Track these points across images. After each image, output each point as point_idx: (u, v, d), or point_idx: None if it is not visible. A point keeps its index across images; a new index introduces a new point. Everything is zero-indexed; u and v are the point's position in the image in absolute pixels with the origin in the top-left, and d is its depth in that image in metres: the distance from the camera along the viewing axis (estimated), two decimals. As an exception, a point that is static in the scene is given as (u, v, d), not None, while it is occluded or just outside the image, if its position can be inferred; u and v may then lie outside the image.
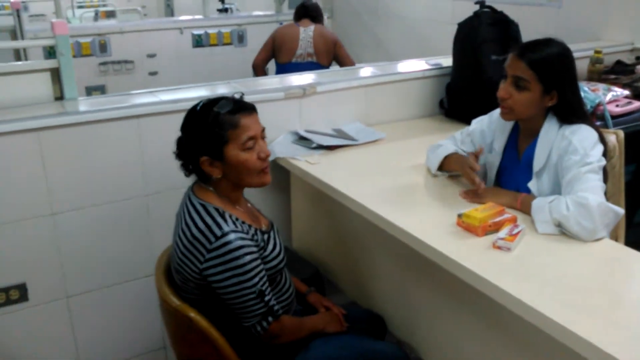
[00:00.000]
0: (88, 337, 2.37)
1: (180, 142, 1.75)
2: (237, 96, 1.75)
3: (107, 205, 2.28)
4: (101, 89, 4.98)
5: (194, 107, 1.72)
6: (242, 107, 1.69)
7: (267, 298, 1.65)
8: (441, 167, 2.10)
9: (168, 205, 2.30)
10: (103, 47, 4.91)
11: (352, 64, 4.27)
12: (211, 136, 1.65)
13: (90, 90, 4.84)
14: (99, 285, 2.35)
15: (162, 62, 5.17)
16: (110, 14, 7.85)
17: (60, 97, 2.31)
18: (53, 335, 2.31)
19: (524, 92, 1.83)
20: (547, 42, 1.86)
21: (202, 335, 1.61)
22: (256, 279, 1.62)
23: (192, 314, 1.61)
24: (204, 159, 1.67)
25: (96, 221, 2.28)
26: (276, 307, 1.69)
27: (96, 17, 7.70)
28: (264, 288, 1.64)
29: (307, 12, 4.29)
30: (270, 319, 1.67)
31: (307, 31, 4.16)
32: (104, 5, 8.96)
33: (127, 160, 2.28)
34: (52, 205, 2.18)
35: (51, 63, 2.29)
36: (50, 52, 4.46)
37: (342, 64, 4.32)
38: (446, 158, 2.07)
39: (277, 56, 4.32)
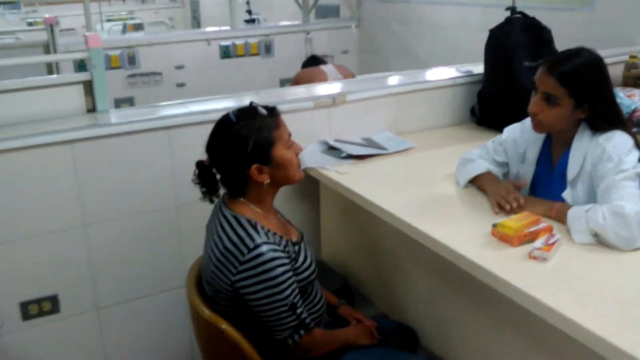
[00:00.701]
0: (117, 348, 2.39)
1: (206, 164, 1.73)
2: (254, 103, 1.74)
3: (138, 216, 2.30)
4: (130, 101, 5.05)
5: (227, 121, 1.69)
6: (273, 109, 1.72)
7: (299, 311, 1.64)
8: (471, 181, 2.06)
9: (198, 217, 2.29)
10: (131, 60, 4.98)
11: None
12: (260, 141, 1.65)
13: (119, 102, 4.91)
14: (129, 297, 2.36)
15: (190, 73, 5.22)
16: (138, 27, 7.98)
17: (92, 110, 2.34)
18: (83, 346, 2.32)
19: (555, 108, 1.80)
20: (577, 53, 1.82)
21: (234, 346, 1.60)
22: (288, 291, 1.61)
23: (224, 325, 1.60)
24: (254, 167, 1.66)
25: (127, 232, 2.29)
26: (308, 320, 1.67)
27: (124, 30, 7.84)
28: (295, 300, 1.63)
29: (319, 60, 4.18)
30: (302, 332, 1.65)
31: (328, 67, 4.01)
32: (132, 18, 9.12)
33: (158, 171, 2.30)
34: (84, 216, 2.20)
35: (84, 76, 2.32)
36: (80, 66, 4.53)
37: None
38: (477, 176, 2.03)
39: None
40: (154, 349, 2.46)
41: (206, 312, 1.65)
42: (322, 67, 3.99)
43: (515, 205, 1.81)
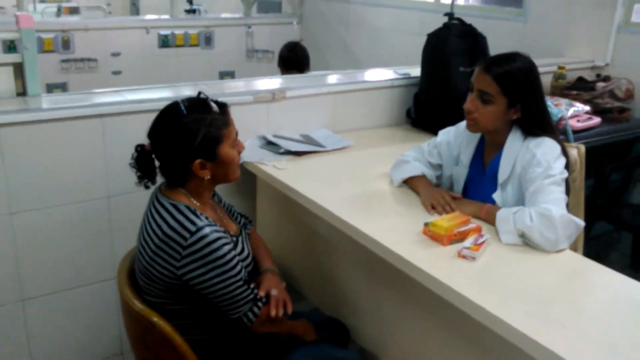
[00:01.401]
0: (43, 341, 2.31)
1: (146, 150, 1.69)
2: (203, 96, 1.72)
3: (68, 206, 2.23)
4: (62, 87, 4.87)
5: (176, 112, 1.64)
6: (225, 105, 1.70)
7: (252, 285, 1.64)
8: (405, 181, 2.12)
9: (130, 208, 2.26)
10: (66, 44, 4.81)
11: None
12: (208, 138, 1.62)
13: (51, 88, 4.73)
14: (56, 288, 2.29)
15: (127, 61, 5.09)
16: (74, 10, 7.69)
17: (22, 93, 2.25)
18: (6, 338, 2.23)
19: (489, 106, 1.86)
20: (513, 57, 1.89)
21: (165, 340, 1.58)
22: (238, 267, 1.61)
23: (156, 318, 1.57)
24: (197, 162, 1.63)
25: (55, 222, 2.22)
26: (259, 295, 1.68)
27: (59, 13, 7.53)
28: (246, 277, 1.63)
29: (295, 63, 3.83)
30: (259, 304, 1.66)
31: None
32: (67, 1, 8.79)
33: (89, 160, 2.23)
34: (10, 204, 2.11)
35: (14, 57, 2.22)
36: (10, 47, 4.35)
37: None
38: (411, 177, 2.09)
39: None
40: (82, 343, 2.40)
41: (137, 304, 1.62)
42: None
43: (448, 210, 1.87)
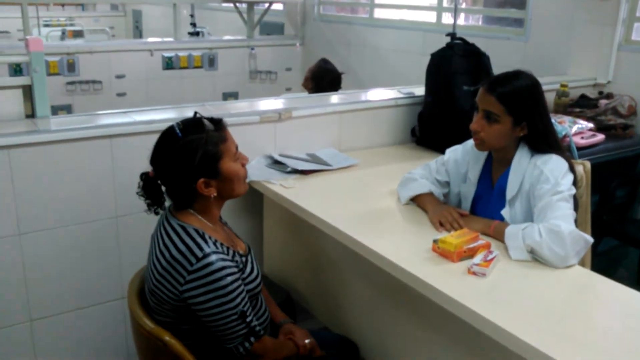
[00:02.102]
0: (51, 362, 2.31)
1: (151, 176, 1.70)
2: (198, 116, 1.73)
3: (77, 226, 2.24)
4: (67, 109, 4.93)
5: (172, 135, 1.66)
6: (220, 122, 1.71)
7: (248, 319, 1.63)
8: (412, 199, 2.13)
9: (139, 227, 2.27)
10: (71, 67, 4.87)
11: None
12: (207, 156, 1.63)
13: (56, 110, 4.77)
14: (63, 308, 2.29)
15: (131, 83, 5.14)
16: (78, 34, 7.79)
17: (31, 115, 2.27)
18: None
19: (495, 125, 1.88)
20: (516, 75, 1.91)
21: (176, 359, 1.58)
22: (238, 300, 1.60)
23: (167, 337, 1.57)
24: (201, 182, 1.64)
25: (64, 242, 2.23)
26: (258, 328, 1.67)
27: (63, 36, 7.64)
28: (245, 309, 1.62)
29: (334, 89, 3.75)
30: (252, 339, 1.65)
31: None
32: (72, 25, 8.89)
33: (98, 180, 2.25)
34: (19, 225, 2.12)
35: (23, 80, 2.25)
36: (16, 70, 4.40)
37: None
38: (419, 195, 2.10)
39: None
40: (89, 363, 2.39)
41: (148, 324, 1.62)
42: None
43: (456, 227, 1.88)
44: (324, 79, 3.82)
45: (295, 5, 6.04)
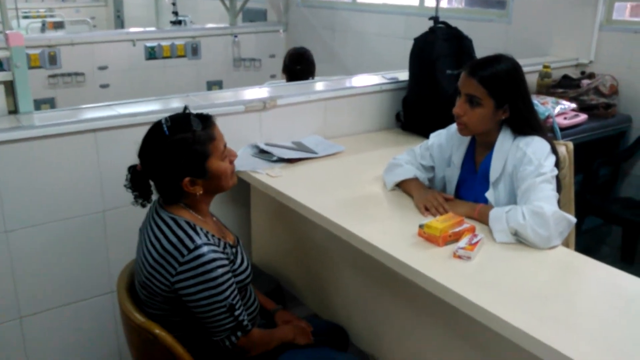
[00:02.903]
0: (42, 359, 2.31)
1: (139, 170, 1.70)
2: (188, 111, 1.72)
3: (64, 222, 2.23)
4: (50, 102, 4.87)
5: (159, 132, 1.65)
6: (208, 119, 1.70)
7: (237, 312, 1.65)
8: (398, 184, 2.15)
9: (127, 221, 2.27)
10: (53, 59, 4.81)
11: None
12: (194, 155, 1.63)
13: (39, 104, 4.72)
14: (53, 304, 2.29)
15: (114, 74, 5.10)
16: (58, 25, 7.69)
17: (14, 111, 2.26)
18: (5, 358, 2.23)
19: (478, 108, 1.89)
20: (497, 59, 1.92)
21: (167, 352, 1.59)
22: (227, 292, 1.62)
23: (157, 330, 1.58)
24: (186, 180, 1.64)
25: (51, 238, 2.22)
26: (245, 322, 1.68)
27: (43, 28, 7.53)
28: (234, 302, 1.64)
29: (301, 74, 3.68)
30: (239, 333, 1.66)
31: None
32: (52, 16, 8.78)
33: (84, 175, 2.24)
34: (5, 222, 2.12)
35: (4, 75, 2.23)
36: (-5, 65, 4.34)
37: None
38: (404, 180, 2.12)
39: None
40: (81, 357, 2.40)
41: (139, 317, 1.63)
42: None
43: (441, 211, 1.90)
44: (290, 61, 3.74)
45: (277, -9, 6.02)
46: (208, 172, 1.66)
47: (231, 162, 1.74)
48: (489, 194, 1.94)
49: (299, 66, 3.71)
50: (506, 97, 1.89)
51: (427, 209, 1.94)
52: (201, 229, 1.65)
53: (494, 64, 1.90)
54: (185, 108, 1.72)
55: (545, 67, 3.45)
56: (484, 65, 1.91)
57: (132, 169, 1.72)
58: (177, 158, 1.62)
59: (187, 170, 1.64)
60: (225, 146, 1.72)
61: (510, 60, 1.93)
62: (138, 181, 1.71)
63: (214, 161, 1.67)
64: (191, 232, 1.62)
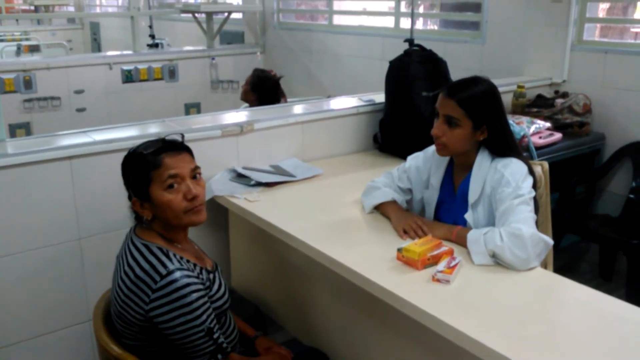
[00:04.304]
0: (17, 390, 2.26)
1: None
2: (176, 137, 1.74)
3: (39, 251, 2.20)
4: (26, 127, 4.82)
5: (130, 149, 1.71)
6: (167, 147, 1.67)
7: (215, 335, 1.62)
8: (376, 207, 2.15)
9: (103, 248, 2.25)
10: (28, 84, 4.77)
11: None
12: (137, 177, 1.65)
13: (14, 129, 4.67)
14: (29, 334, 2.25)
15: (91, 98, 5.06)
16: (34, 48, 7.65)
17: (-14, 139, 2.23)
18: (-21, 390, 2.18)
19: (456, 129, 1.91)
20: (474, 81, 1.95)
21: (145, 383, 1.56)
22: (204, 317, 1.59)
23: (134, 362, 1.56)
24: (134, 200, 1.68)
25: (27, 268, 2.19)
26: (225, 345, 1.66)
27: (19, 51, 7.49)
28: (212, 325, 1.61)
29: (278, 96, 3.79)
30: (219, 356, 1.64)
31: None
32: (27, 39, 8.72)
33: (59, 203, 2.21)
34: (-22, 252, 2.08)
35: (-24, 104, 2.20)
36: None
37: None
38: (382, 203, 2.13)
39: None
40: (56, 389, 2.35)
41: (115, 349, 1.60)
42: None
43: (420, 234, 1.91)
44: (264, 86, 3.80)
45: (254, 13, 6.04)
46: (151, 198, 1.65)
47: (187, 199, 1.65)
48: (468, 216, 1.95)
49: (275, 95, 3.75)
50: (484, 118, 1.90)
51: (405, 232, 1.94)
52: (174, 255, 1.63)
53: (472, 86, 1.92)
54: (183, 136, 1.78)
55: (519, 87, 3.50)
56: (462, 87, 1.93)
57: None
58: (126, 176, 1.70)
59: (133, 190, 1.67)
60: (175, 178, 1.64)
61: (487, 82, 1.96)
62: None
63: (156, 189, 1.64)
64: (163, 258, 1.60)
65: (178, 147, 1.69)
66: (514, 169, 1.89)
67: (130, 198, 1.69)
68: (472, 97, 1.90)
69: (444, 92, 1.94)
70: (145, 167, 1.64)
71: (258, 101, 3.79)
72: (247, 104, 3.87)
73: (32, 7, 11.60)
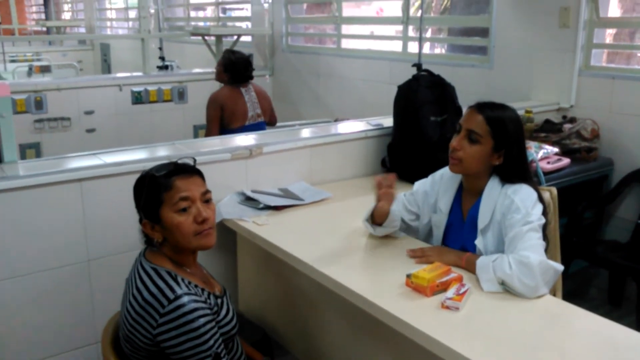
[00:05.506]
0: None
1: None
2: (187, 160, 1.75)
3: (47, 272, 2.21)
4: (36, 147, 4.86)
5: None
6: (179, 170, 1.69)
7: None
8: (375, 221, 2.11)
9: (112, 271, 2.25)
10: (39, 104, 4.82)
11: (276, 119, 4.39)
12: (148, 199, 1.66)
13: (24, 148, 4.71)
14: (37, 356, 2.25)
15: (100, 119, 5.11)
16: (45, 69, 7.73)
17: (-2, 160, 2.25)
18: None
19: (475, 146, 1.92)
20: (503, 106, 1.98)
21: (152, 408, 1.55)
22: (211, 342, 1.59)
23: (142, 386, 1.55)
24: (145, 222, 1.68)
25: (35, 289, 2.19)
26: None
27: (30, 72, 7.57)
28: (219, 351, 1.61)
29: (249, 73, 4.17)
30: None
31: (249, 92, 4.12)
32: (39, 60, 8.83)
33: (68, 224, 2.23)
34: (-12, 273, 2.09)
35: (-10, 126, 2.23)
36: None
37: (272, 118, 4.33)
38: (375, 208, 2.08)
39: (229, 123, 4.06)
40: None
41: (123, 373, 1.60)
42: (242, 89, 4.09)
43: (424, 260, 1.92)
44: (237, 66, 4.08)
45: (263, 37, 6.10)
46: (162, 221, 1.66)
47: (198, 222, 1.66)
48: (477, 242, 1.95)
49: (246, 72, 4.08)
50: (505, 142, 1.92)
51: (413, 252, 1.94)
52: (182, 279, 1.63)
53: (501, 109, 1.96)
54: (194, 160, 1.79)
55: (527, 111, 3.51)
56: (492, 107, 1.96)
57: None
58: (137, 198, 1.70)
59: (144, 213, 1.68)
60: (186, 201, 1.65)
61: (515, 110, 1.99)
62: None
63: (167, 211, 1.65)
64: (172, 282, 1.60)
65: (189, 170, 1.71)
66: (524, 195, 1.89)
67: (141, 220, 1.70)
68: (500, 118, 1.92)
69: (474, 107, 1.96)
70: (157, 189, 1.65)
71: (231, 80, 4.08)
72: (221, 84, 4.20)
73: (44, 29, 11.78)
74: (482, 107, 1.94)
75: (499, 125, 1.91)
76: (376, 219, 2.09)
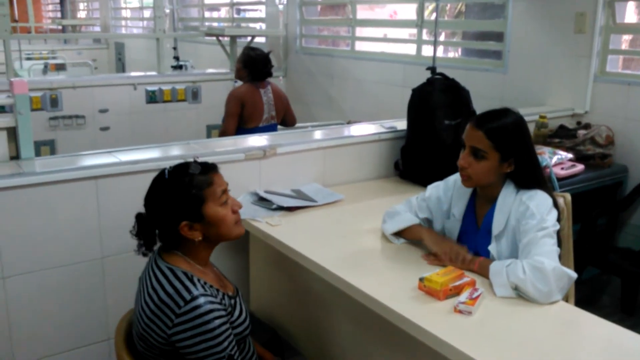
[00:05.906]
0: (35, 407, 2.27)
1: (144, 217, 1.72)
2: (197, 159, 1.76)
3: (62, 268, 2.23)
4: (50, 144, 4.90)
5: (160, 177, 1.71)
6: (210, 167, 1.73)
7: None
8: (399, 233, 2.13)
9: (126, 268, 2.27)
10: (54, 102, 4.86)
11: (295, 120, 4.38)
12: (189, 199, 1.65)
13: (39, 145, 4.74)
14: (49, 351, 2.27)
15: (115, 117, 5.14)
16: (60, 67, 7.80)
17: (15, 157, 2.27)
18: (-2, 405, 2.20)
19: (482, 161, 1.90)
20: (504, 112, 1.94)
21: (164, 405, 1.56)
22: (226, 343, 1.60)
23: (155, 384, 1.56)
24: (183, 224, 1.66)
25: (49, 285, 2.21)
26: None
27: (45, 70, 7.64)
28: (233, 352, 1.62)
29: (268, 69, 4.13)
30: None
31: (267, 93, 4.10)
32: (54, 58, 8.90)
33: (83, 221, 2.24)
34: (3, 268, 2.11)
35: (7, 122, 2.25)
36: (-1, 106, 4.38)
37: (289, 120, 4.31)
38: (408, 227, 2.10)
39: (246, 122, 4.04)
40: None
41: (135, 370, 1.61)
42: (261, 90, 4.09)
43: (466, 266, 1.89)
44: (256, 63, 4.10)
45: (277, 38, 6.11)
46: (205, 217, 1.67)
47: (234, 212, 1.74)
48: (491, 248, 1.94)
49: (265, 69, 4.10)
50: (512, 151, 1.89)
51: (451, 260, 1.92)
52: (198, 280, 1.64)
53: (501, 117, 1.91)
54: (192, 161, 1.75)
55: (541, 117, 3.50)
56: (491, 118, 1.92)
57: (138, 216, 1.73)
58: (174, 201, 1.66)
59: (183, 214, 1.66)
60: (224, 192, 1.72)
61: (516, 114, 1.95)
62: (143, 229, 1.72)
63: (210, 206, 1.68)
64: (188, 283, 1.61)
65: (216, 167, 1.76)
66: (539, 201, 1.88)
67: (174, 224, 1.66)
68: (500, 129, 1.88)
69: (472, 122, 1.93)
70: (199, 187, 1.67)
71: (250, 76, 4.08)
72: (240, 82, 4.20)
73: (60, 27, 11.87)
74: (480, 122, 1.91)
75: (501, 136, 1.88)
76: (406, 237, 2.12)
